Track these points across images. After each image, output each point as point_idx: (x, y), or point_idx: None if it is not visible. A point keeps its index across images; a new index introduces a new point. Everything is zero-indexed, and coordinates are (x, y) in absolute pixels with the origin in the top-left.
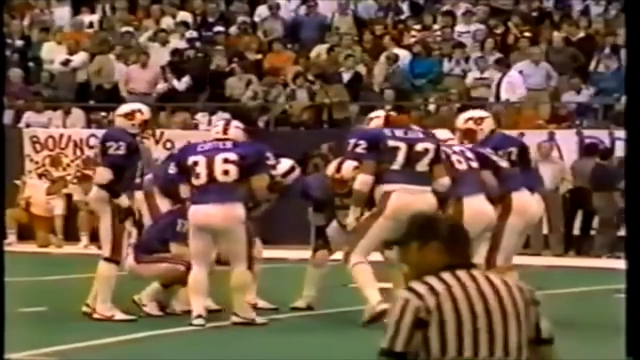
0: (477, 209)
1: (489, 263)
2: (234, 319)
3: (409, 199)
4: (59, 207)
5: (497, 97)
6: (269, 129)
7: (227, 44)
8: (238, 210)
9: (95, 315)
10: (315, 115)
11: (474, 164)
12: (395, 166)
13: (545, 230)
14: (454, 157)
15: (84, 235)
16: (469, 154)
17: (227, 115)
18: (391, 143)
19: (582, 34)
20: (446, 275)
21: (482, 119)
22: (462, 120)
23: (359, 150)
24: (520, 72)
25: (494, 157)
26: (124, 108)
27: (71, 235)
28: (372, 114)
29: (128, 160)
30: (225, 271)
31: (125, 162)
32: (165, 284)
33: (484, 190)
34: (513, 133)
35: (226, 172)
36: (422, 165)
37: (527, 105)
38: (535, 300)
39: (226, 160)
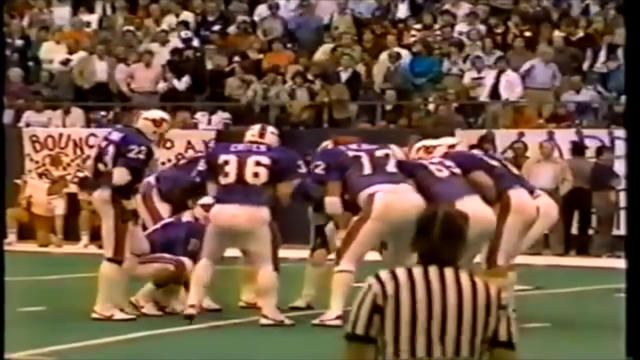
0: (473, 211)
1: (489, 263)
2: (263, 321)
3: (394, 198)
4: (59, 207)
5: (493, 96)
6: None
7: (227, 44)
8: (263, 212)
9: (94, 315)
10: (315, 114)
11: (456, 170)
12: (366, 171)
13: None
14: (432, 167)
15: (85, 234)
16: (448, 163)
17: (227, 115)
18: (351, 154)
19: (581, 34)
20: (416, 269)
21: (434, 147)
22: (414, 150)
23: (318, 171)
24: (528, 70)
25: (485, 157)
26: (153, 114)
27: (71, 234)
28: (323, 144)
29: (145, 165)
30: (224, 270)
31: (142, 167)
32: (158, 284)
33: (478, 192)
34: (512, 133)
35: (256, 175)
36: (391, 167)
37: (530, 104)
38: (500, 304)
39: (258, 163)
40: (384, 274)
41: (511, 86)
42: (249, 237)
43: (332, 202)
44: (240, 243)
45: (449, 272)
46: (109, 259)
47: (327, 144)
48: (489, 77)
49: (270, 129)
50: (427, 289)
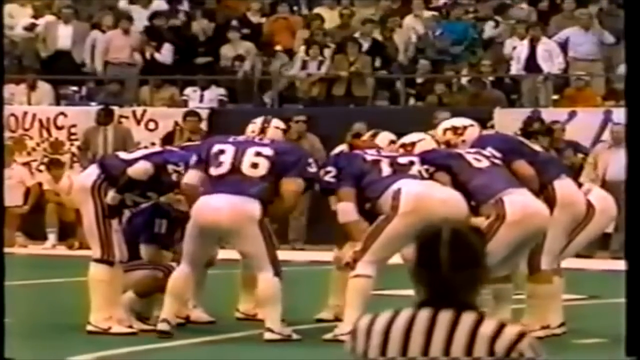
0: (525, 206)
1: (532, 267)
2: (268, 335)
3: (427, 189)
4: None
5: (527, 68)
6: (273, 107)
7: (221, 7)
8: (251, 206)
9: (90, 328)
10: (327, 91)
11: (497, 161)
12: (386, 173)
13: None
14: (469, 157)
15: (52, 232)
16: (487, 153)
17: (221, 91)
18: (369, 158)
19: None
20: (402, 315)
21: (465, 127)
22: (440, 130)
23: (328, 178)
24: (567, 39)
25: (526, 141)
26: None
27: (36, 232)
28: (336, 150)
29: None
30: (219, 274)
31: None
32: (139, 293)
33: (524, 184)
34: (562, 112)
35: (255, 166)
36: (415, 172)
37: (580, 80)
38: (512, 353)
39: (259, 154)
40: (362, 321)
41: (551, 57)
42: (236, 236)
43: (345, 209)
44: (230, 243)
45: (444, 318)
46: (97, 260)
47: (343, 148)
48: (522, 47)
49: (275, 122)
50: (405, 341)
